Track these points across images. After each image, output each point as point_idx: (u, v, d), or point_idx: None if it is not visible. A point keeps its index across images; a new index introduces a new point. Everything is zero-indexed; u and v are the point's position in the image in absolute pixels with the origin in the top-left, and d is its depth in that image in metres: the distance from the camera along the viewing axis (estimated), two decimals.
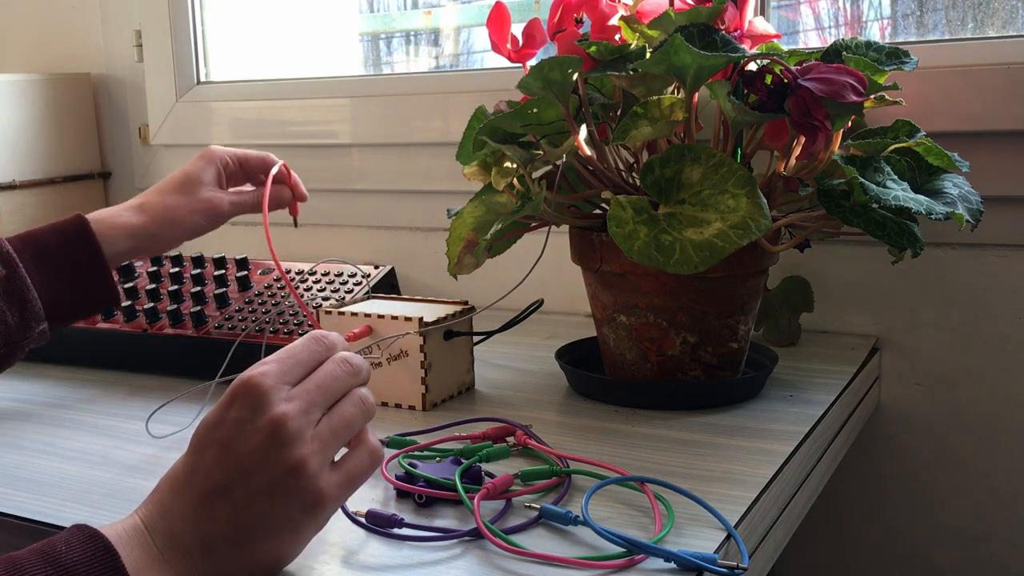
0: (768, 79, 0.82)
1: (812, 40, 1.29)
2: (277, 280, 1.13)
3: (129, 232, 0.94)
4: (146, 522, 0.55)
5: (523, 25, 0.91)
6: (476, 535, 0.64)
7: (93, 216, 0.93)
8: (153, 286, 1.12)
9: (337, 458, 0.59)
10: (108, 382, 1.05)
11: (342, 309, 0.94)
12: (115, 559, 0.51)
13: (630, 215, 0.80)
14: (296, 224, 1.08)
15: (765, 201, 0.80)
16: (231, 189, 1.01)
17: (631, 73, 0.85)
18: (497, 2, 0.92)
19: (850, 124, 0.89)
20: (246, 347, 0.98)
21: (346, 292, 1.10)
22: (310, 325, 0.95)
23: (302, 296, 1.09)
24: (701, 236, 0.79)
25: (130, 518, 0.55)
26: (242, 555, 0.54)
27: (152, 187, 0.99)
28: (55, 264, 0.90)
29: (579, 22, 0.90)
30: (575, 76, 0.84)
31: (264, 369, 0.56)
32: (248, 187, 1.03)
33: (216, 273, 1.14)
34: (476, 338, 0.97)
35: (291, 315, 1.04)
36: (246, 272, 1.13)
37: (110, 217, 0.94)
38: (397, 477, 0.71)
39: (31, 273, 0.88)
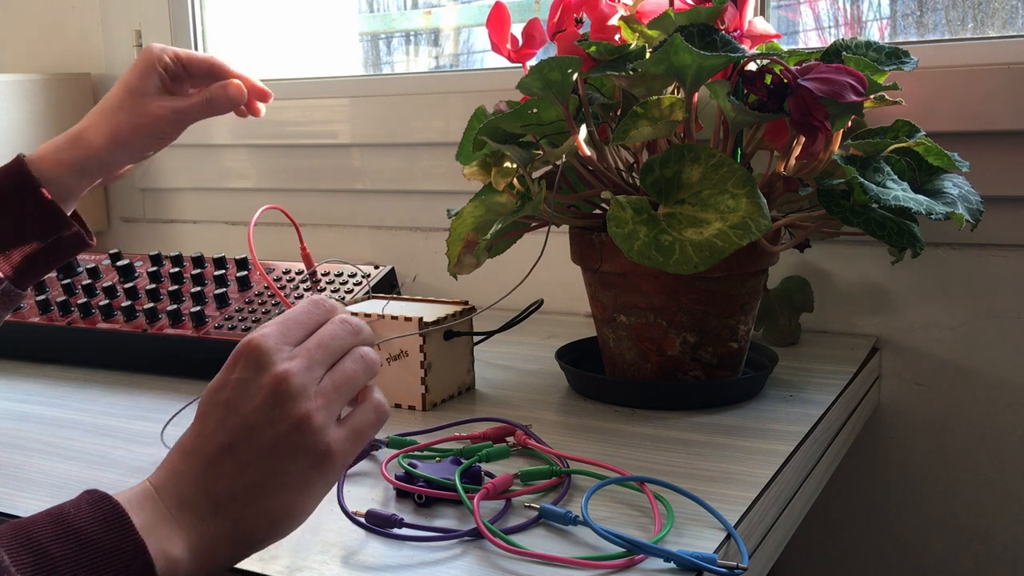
0: (768, 79, 0.82)
1: (812, 40, 1.29)
2: (276, 280, 1.13)
3: (75, 167, 0.86)
4: (156, 485, 0.55)
5: (523, 25, 0.91)
6: (476, 535, 0.64)
7: (33, 155, 0.86)
8: (153, 286, 1.12)
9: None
10: (108, 382, 1.05)
11: None
12: (124, 518, 0.51)
13: (630, 215, 0.80)
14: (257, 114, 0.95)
15: (765, 201, 0.80)
16: (174, 95, 0.90)
17: (631, 73, 0.85)
18: (497, 2, 0.92)
19: (850, 124, 0.89)
20: None
21: (346, 292, 1.10)
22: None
23: (300, 297, 1.09)
24: (701, 236, 0.79)
25: (140, 484, 0.55)
26: (252, 512, 0.54)
27: (96, 106, 0.90)
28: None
29: (579, 22, 0.90)
30: (575, 76, 0.84)
31: (265, 331, 0.57)
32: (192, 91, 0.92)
33: (216, 273, 1.14)
34: (476, 338, 0.97)
35: None
36: (246, 272, 1.13)
37: (51, 154, 0.86)
38: (397, 477, 0.71)
39: None
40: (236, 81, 0.89)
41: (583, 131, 0.89)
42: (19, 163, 0.84)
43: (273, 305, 1.07)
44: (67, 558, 0.47)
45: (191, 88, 0.91)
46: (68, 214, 0.85)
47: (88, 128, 0.87)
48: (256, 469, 0.54)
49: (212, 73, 0.90)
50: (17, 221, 0.82)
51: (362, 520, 0.66)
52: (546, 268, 0.97)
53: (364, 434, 0.58)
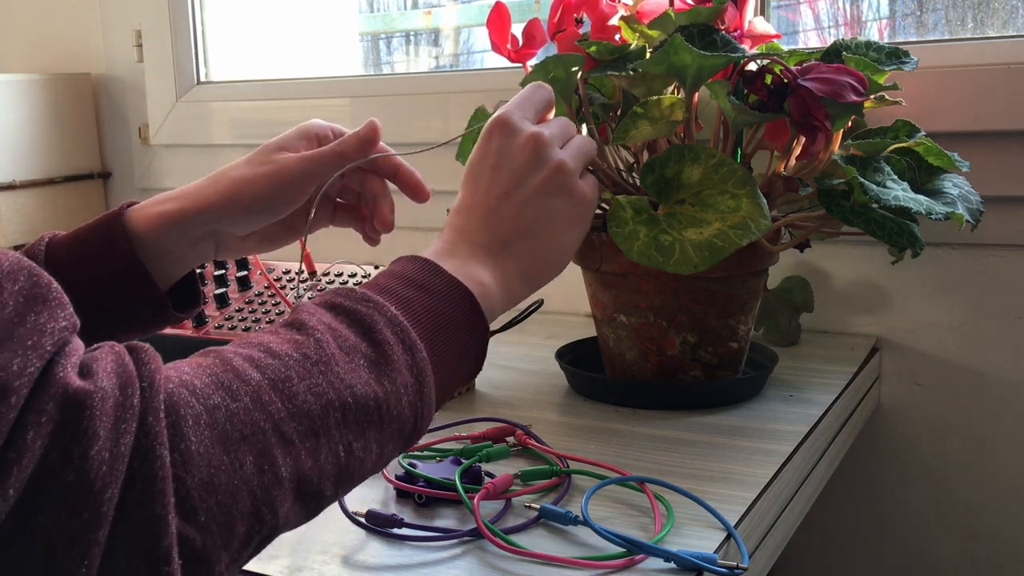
0: (768, 79, 0.82)
1: (812, 40, 1.29)
2: (276, 280, 1.13)
3: (172, 221, 0.71)
4: (447, 243, 0.65)
5: (523, 25, 0.91)
6: (476, 535, 0.64)
7: (137, 205, 0.73)
8: None
9: None
10: None
11: None
12: (437, 266, 0.60)
13: (630, 215, 0.80)
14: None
15: (765, 201, 0.80)
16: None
17: (631, 73, 0.85)
18: (497, 2, 0.92)
19: (850, 124, 0.89)
20: None
21: None
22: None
23: (300, 297, 1.09)
24: (701, 236, 0.79)
25: (432, 248, 0.65)
26: (532, 247, 0.66)
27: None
28: (83, 264, 0.70)
29: (579, 22, 0.90)
30: (578, 75, 0.84)
31: (505, 109, 0.68)
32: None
33: (216, 273, 1.14)
34: None
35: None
36: (246, 272, 1.13)
37: (152, 205, 0.72)
38: (397, 477, 0.71)
39: (64, 277, 0.68)
40: (373, 120, 0.79)
41: (584, 130, 0.89)
42: (118, 211, 0.72)
43: (273, 305, 1.07)
44: (416, 298, 0.58)
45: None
46: (157, 274, 0.72)
47: (204, 181, 0.74)
48: (531, 208, 0.66)
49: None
50: (104, 283, 0.70)
51: (362, 520, 0.66)
52: None
53: (596, 186, 0.71)
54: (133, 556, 0.40)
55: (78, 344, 0.43)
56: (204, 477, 0.43)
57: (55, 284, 0.43)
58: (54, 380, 0.40)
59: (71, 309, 0.43)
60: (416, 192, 0.81)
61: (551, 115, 0.72)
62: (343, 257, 1.27)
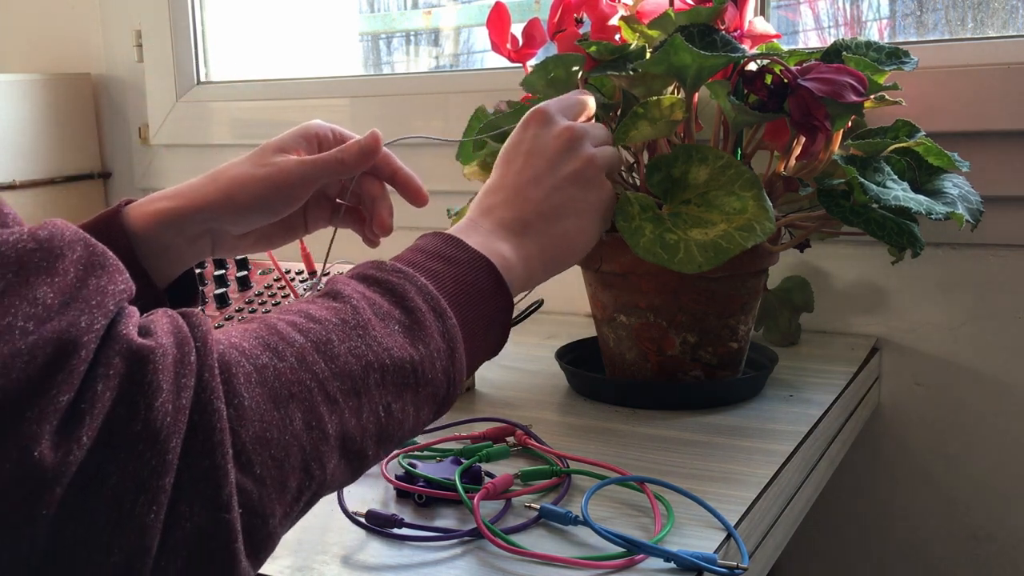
0: (768, 79, 0.82)
1: (812, 40, 1.29)
2: (277, 280, 1.13)
3: (168, 219, 0.72)
4: (471, 221, 0.67)
5: (523, 25, 0.91)
6: (476, 535, 0.64)
7: (135, 203, 0.74)
8: None
9: None
10: None
11: None
12: (460, 241, 0.63)
13: (636, 210, 0.80)
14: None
15: (770, 204, 0.80)
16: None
17: (631, 73, 0.85)
18: (497, 2, 0.92)
19: (850, 124, 0.89)
20: None
21: None
22: None
23: (304, 295, 1.09)
24: (706, 237, 0.79)
25: (458, 224, 0.66)
26: (555, 231, 0.68)
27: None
28: None
29: (579, 22, 0.90)
30: (579, 75, 0.84)
31: (545, 103, 0.72)
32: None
33: (216, 273, 1.14)
34: None
35: None
36: (246, 272, 1.13)
37: (149, 203, 0.73)
38: (397, 477, 0.71)
39: None
40: (375, 131, 0.77)
41: None
42: (116, 209, 0.73)
43: (274, 305, 1.07)
44: (442, 270, 0.60)
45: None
46: (158, 272, 0.73)
47: (202, 179, 0.74)
48: (560, 194, 0.69)
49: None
50: None
51: (362, 520, 0.66)
52: None
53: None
54: (196, 504, 0.42)
55: (133, 309, 0.45)
56: (258, 431, 0.45)
57: (110, 252, 0.45)
58: (119, 336, 0.42)
59: (127, 275, 0.46)
60: (415, 196, 0.80)
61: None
62: (342, 257, 1.27)
